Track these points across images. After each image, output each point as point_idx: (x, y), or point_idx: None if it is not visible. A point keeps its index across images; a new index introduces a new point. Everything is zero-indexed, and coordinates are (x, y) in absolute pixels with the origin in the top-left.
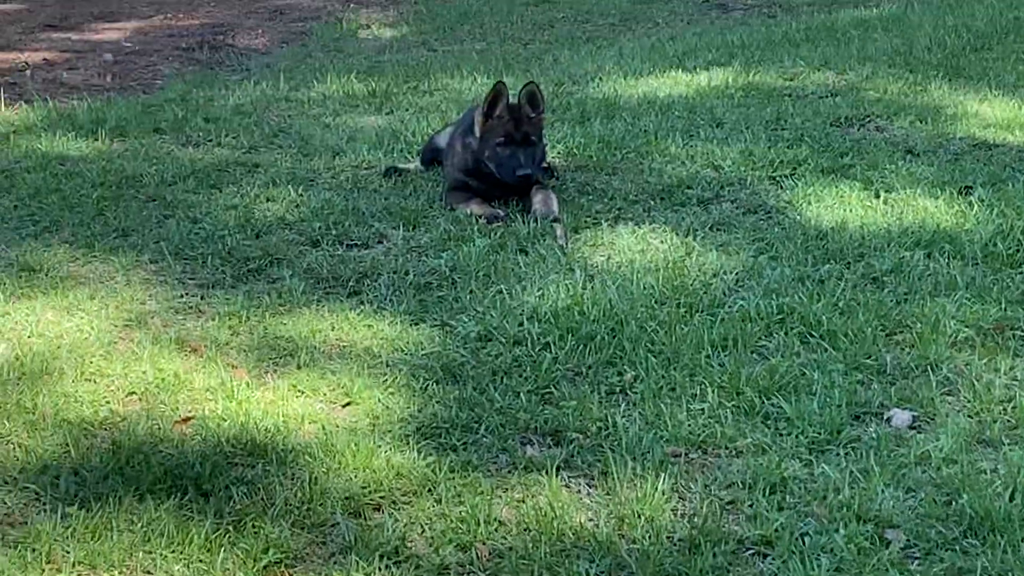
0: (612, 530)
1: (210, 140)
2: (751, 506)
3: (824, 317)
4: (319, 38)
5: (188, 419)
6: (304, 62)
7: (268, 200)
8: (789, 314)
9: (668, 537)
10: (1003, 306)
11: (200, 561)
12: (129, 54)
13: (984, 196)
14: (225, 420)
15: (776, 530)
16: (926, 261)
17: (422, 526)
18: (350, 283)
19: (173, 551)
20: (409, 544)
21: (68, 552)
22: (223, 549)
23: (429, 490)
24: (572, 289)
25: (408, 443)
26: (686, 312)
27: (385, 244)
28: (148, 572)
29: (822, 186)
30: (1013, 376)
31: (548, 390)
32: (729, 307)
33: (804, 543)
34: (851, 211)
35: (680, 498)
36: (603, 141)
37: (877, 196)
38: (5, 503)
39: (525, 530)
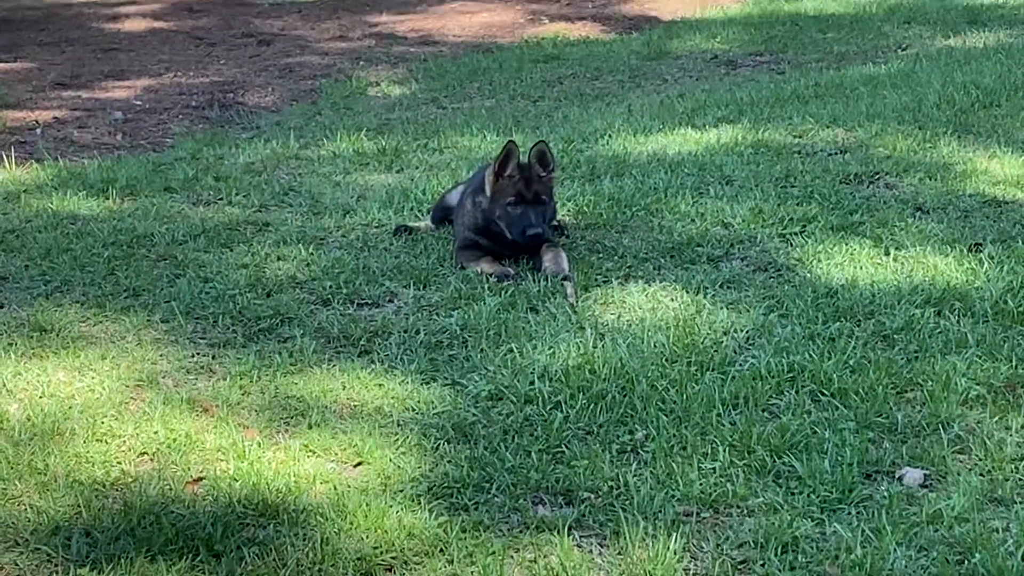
0: None
1: (220, 199)
2: (763, 565)
3: (835, 375)
4: (329, 96)
5: (199, 479)
6: (314, 120)
7: (279, 259)
8: (800, 372)
9: None
10: (1014, 364)
11: None
12: (139, 112)
13: (994, 253)
14: (236, 480)
15: None
16: (936, 319)
17: None
18: (361, 342)
19: None
20: None
21: None
22: None
23: (441, 550)
24: (583, 347)
25: (419, 503)
26: (697, 370)
27: (396, 303)
28: None
29: (832, 243)
30: None
31: (559, 449)
32: (740, 365)
33: None
34: (861, 269)
35: (692, 558)
36: (613, 199)
37: (887, 253)
38: (17, 564)
39: None
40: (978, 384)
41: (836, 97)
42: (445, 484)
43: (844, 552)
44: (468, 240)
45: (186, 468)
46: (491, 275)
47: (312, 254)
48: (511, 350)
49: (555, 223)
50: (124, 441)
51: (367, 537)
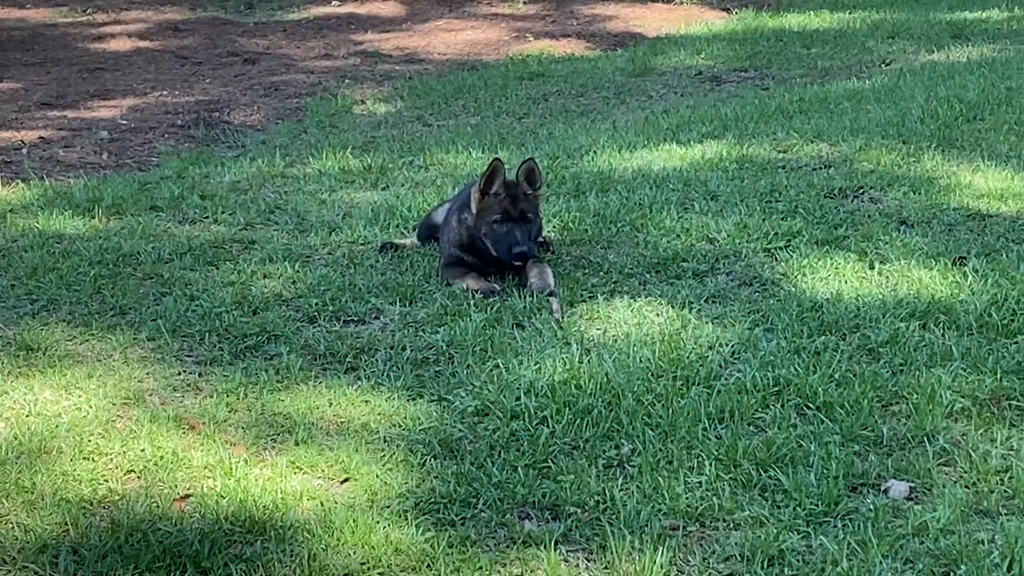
0: None
1: (206, 217)
2: None
3: (820, 389)
4: (314, 114)
5: (186, 497)
6: (299, 138)
7: (265, 277)
8: (785, 386)
9: None
10: (999, 376)
11: None
12: (125, 132)
13: (978, 266)
14: (223, 497)
15: None
16: (921, 332)
17: None
18: (347, 359)
19: None
20: None
21: None
22: None
23: (428, 566)
24: (569, 363)
25: (406, 519)
26: (683, 385)
27: (382, 320)
28: None
29: (817, 258)
30: (1009, 446)
31: (546, 464)
32: (725, 379)
33: None
34: (846, 283)
35: (679, 571)
36: (598, 215)
37: (872, 267)
38: None
39: None
40: (963, 397)
41: (820, 112)
42: (432, 500)
43: (830, 565)
44: (454, 257)
45: (173, 485)
46: (477, 291)
47: (298, 272)
48: (497, 366)
49: (541, 239)
50: (111, 459)
51: (354, 553)
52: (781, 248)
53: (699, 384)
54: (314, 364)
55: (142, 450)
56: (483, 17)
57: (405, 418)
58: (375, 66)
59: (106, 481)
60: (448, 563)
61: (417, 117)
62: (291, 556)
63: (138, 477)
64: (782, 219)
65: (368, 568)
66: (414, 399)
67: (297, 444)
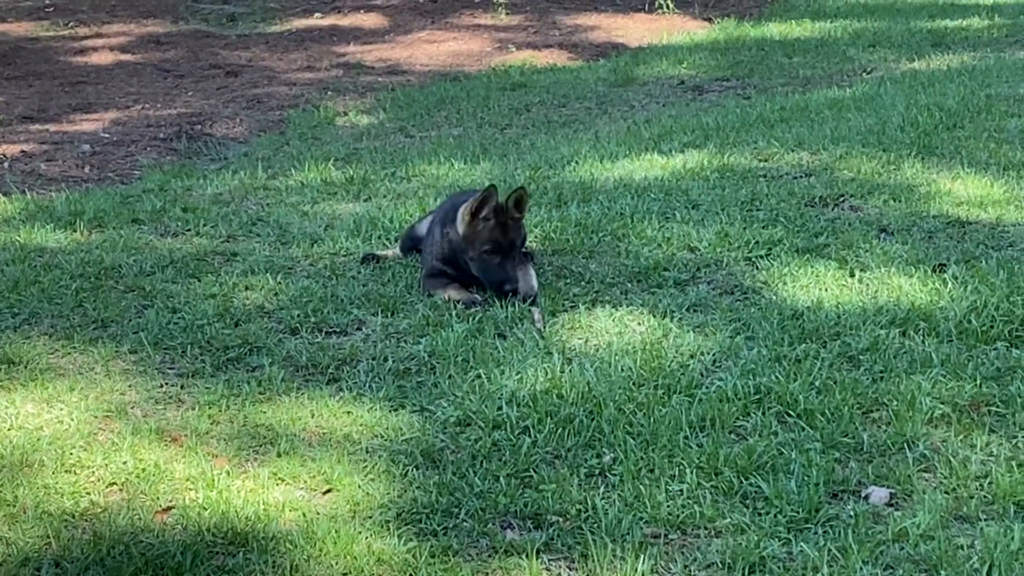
0: None
1: (188, 230)
2: None
3: (801, 396)
4: (296, 126)
5: (169, 509)
6: (282, 150)
7: (247, 289)
8: (766, 394)
9: None
10: (978, 383)
11: None
12: (107, 145)
13: (958, 274)
14: (206, 509)
15: None
16: (901, 339)
17: None
18: (329, 370)
19: None
20: None
21: None
22: None
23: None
24: (550, 372)
25: (388, 529)
26: (664, 393)
27: (364, 331)
28: None
29: (797, 266)
30: (989, 452)
31: (527, 473)
32: (706, 388)
33: None
34: (826, 290)
35: None
36: (580, 225)
37: (852, 275)
38: None
39: None
40: (943, 403)
41: (801, 121)
42: (414, 510)
43: (811, 571)
44: (436, 269)
45: (155, 498)
46: (459, 302)
47: (280, 283)
48: (479, 376)
49: (524, 250)
50: (93, 472)
51: (336, 564)
52: (762, 257)
53: (680, 393)
54: (296, 375)
55: (124, 463)
56: (465, 28)
57: (387, 429)
58: (357, 78)
59: (88, 494)
60: (430, 573)
61: (399, 128)
62: (273, 567)
63: (120, 490)
64: (763, 228)
65: None
66: (396, 410)
67: (279, 455)
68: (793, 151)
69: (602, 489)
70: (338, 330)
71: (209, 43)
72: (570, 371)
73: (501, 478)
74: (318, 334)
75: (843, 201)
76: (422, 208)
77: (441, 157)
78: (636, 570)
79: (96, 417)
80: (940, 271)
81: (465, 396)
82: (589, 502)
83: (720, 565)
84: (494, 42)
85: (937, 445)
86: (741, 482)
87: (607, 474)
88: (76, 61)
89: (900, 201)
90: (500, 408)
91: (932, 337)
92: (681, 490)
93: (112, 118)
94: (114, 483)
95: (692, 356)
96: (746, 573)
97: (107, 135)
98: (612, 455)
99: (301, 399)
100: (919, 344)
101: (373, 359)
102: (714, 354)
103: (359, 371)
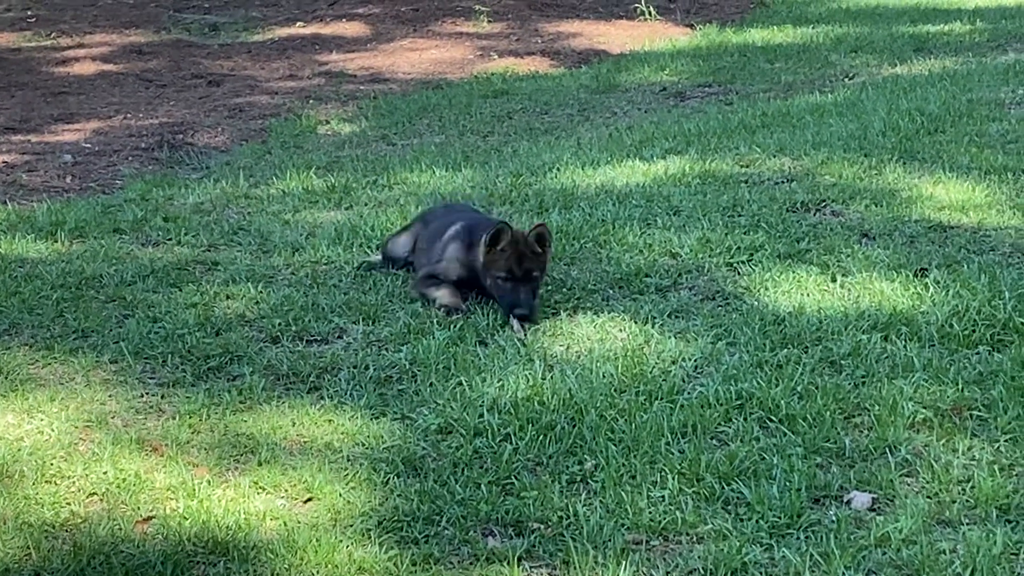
0: None
1: (170, 239)
2: None
3: (783, 401)
4: (278, 135)
5: (149, 519)
6: (264, 159)
7: (228, 298)
8: (748, 399)
9: None
10: (960, 387)
11: None
12: (89, 155)
13: (939, 278)
14: (187, 519)
15: None
16: (883, 344)
17: None
18: (310, 379)
19: None
20: None
21: None
22: None
23: None
24: (532, 379)
25: (370, 537)
26: (645, 400)
27: (345, 339)
28: None
29: (779, 271)
30: (971, 456)
31: (509, 481)
32: (688, 394)
33: None
34: (808, 296)
35: None
36: (561, 231)
37: (834, 280)
38: None
39: None
40: (925, 408)
41: (783, 126)
42: (395, 518)
43: None
44: (435, 282)
45: (136, 508)
46: (444, 306)
47: (261, 292)
48: (460, 383)
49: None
50: (73, 482)
51: (318, 572)
52: (743, 262)
53: (662, 399)
54: (277, 384)
55: (104, 473)
56: (447, 36)
57: (368, 437)
58: (339, 86)
59: (68, 504)
60: None
61: (381, 136)
62: None
63: (100, 500)
64: (744, 233)
65: None
66: (377, 418)
67: (260, 464)
68: (775, 157)
69: (584, 496)
70: (319, 338)
71: (191, 52)
72: (551, 378)
73: (483, 485)
74: (299, 343)
75: (825, 206)
76: (403, 216)
77: (423, 165)
78: None
79: (76, 427)
80: (922, 275)
81: (446, 404)
82: (571, 509)
83: (702, 571)
84: (476, 50)
85: (919, 449)
86: (723, 488)
87: (589, 481)
88: (58, 71)
89: (882, 206)
90: (481, 415)
91: (914, 342)
92: (663, 496)
93: (94, 128)
94: (94, 493)
95: (674, 362)
96: None
97: (89, 145)
98: (594, 462)
99: (282, 408)
100: (901, 349)
101: (354, 367)
102: (696, 360)
103: (340, 379)
